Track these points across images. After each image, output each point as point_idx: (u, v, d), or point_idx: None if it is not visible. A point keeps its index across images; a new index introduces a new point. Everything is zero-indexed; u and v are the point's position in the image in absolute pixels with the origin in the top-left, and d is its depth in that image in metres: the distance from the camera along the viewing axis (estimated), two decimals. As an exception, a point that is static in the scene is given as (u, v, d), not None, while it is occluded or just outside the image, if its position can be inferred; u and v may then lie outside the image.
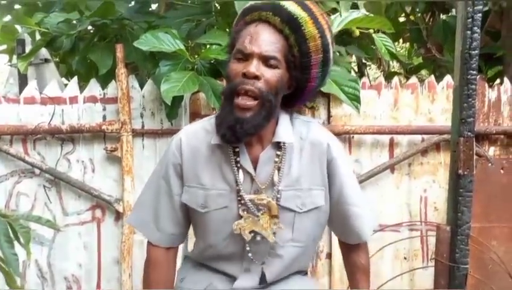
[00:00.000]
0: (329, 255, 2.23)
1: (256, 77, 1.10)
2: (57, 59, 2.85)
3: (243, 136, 1.12)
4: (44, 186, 2.24)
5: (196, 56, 2.10)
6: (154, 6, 2.92)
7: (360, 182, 2.16)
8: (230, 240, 1.21)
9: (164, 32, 2.00)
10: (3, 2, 3.01)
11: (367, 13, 2.17)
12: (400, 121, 2.22)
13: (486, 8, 2.93)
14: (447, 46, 3.03)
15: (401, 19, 3.61)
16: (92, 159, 2.24)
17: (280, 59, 1.11)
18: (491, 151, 2.24)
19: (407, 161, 2.23)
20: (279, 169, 1.19)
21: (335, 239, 1.82)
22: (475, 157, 1.58)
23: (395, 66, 4.52)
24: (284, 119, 1.21)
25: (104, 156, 2.22)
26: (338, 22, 2.04)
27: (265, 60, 1.10)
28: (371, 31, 2.34)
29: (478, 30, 1.50)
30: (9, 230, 1.43)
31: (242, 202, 1.18)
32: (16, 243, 1.43)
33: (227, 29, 2.28)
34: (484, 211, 2.18)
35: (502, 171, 2.22)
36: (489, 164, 2.21)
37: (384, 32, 2.34)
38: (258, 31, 1.11)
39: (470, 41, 1.51)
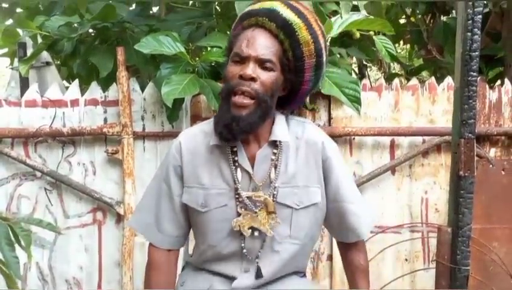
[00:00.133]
0: (330, 257, 2.23)
1: (253, 79, 1.14)
2: (58, 62, 2.86)
3: (239, 133, 1.16)
4: (45, 189, 2.24)
5: (197, 59, 2.10)
6: (155, 10, 2.93)
7: (361, 183, 2.16)
8: (230, 239, 1.24)
9: (165, 35, 2.00)
10: (4, 5, 3.02)
11: (367, 15, 2.17)
12: (401, 123, 2.22)
13: (486, 10, 2.93)
14: (447, 47, 3.03)
15: (402, 21, 3.62)
16: (93, 161, 2.24)
17: (275, 62, 1.17)
18: (492, 152, 2.24)
19: (408, 163, 2.23)
20: (275, 167, 1.23)
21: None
22: (476, 158, 1.58)
23: (395, 67, 4.52)
24: (280, 119, 1.26)
25: (105, 159, 2.22)
26: (338, 24, 2.04)
27: (261, 63, 1.16)
28: (372, 33, 2.35)
29: (478, 32, 1.51)
30: (10, 233, 1.43)
31: (240, 199, 1.22)
32: (16, 245, 1.44)
33: (228, 32, 2.29)
34: (485, 212, 2.18)
35: (503, 172, 2.22)
36: (490, 165, 2.21)
37: (384, 34, 2.34)
38: (254, 36, 1.17)
39: (470, 43, 1.51)
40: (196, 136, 1.27)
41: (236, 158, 1.22)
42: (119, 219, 2.23)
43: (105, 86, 2.25)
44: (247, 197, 1.21)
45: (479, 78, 1.67)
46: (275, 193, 1.22)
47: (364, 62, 3.56)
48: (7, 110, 2.21)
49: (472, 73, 1.52)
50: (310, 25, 1.18)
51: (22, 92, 2.30)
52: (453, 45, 1.63)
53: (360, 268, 1.34)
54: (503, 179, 2.21)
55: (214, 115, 1.28)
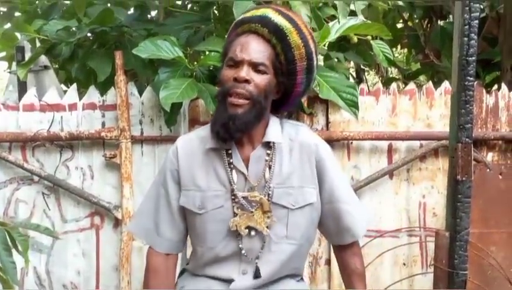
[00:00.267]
0: (328, 262, 2.23)
1: (247, 81, 1.19)
2: (56, 66, 2.86)
3: (235, 132, 1.20)
4: (43, 193, 2.24)
5: (195, 63, 2.11)
6: (153, 14, 2.94)
7: (359, 188, 2.17)
8: (228, 240, 1.27)
9: (163, 39, 2.00)
10: (3, 9, 3.02)
11: (365, 20, 2.18)
12: (398, 127, 2.22)
13: (483, 14, 2.95)
14: (444, 52, 3.05)
15: (399, 25, 3.63)
16: (91, 166, 2.24)
17: (268, 65, 1.22)
18: (489, 156, 2.25)
19: (406, 167, 2.24)
20: (270, 167, 1.27)
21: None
22: (473, 163, 1.59)
23: (393, 72, 4.53)
24: (273, 121, 1.30)
25: (103, 163, 2.22)
26: (336, 29, 2.05)
27: (255, 66, 1.20)
28: (369, 37, 2.35)
29: (475, 37, 1.51)
30: (8, 238, 1.43)
31: (236, 200, 1.25)
32: (13, 250, 1.44)
33: (226, 36, 2.29)
34: (483, 216, 2.19)
35: (500, 176, 2.23)
36: (488, 170, 2.21)
37: (382, 39, 2.35)
38: (248, 41, 1.22)
39: (467, 48, 1.52)
40: (192, 141, 1.32)
41: (231, 160, 1.26)
42: (117, 223, 2.22)
43: (103, 90, 2.25)
44: (243, 198, 1.25)
45: (476, 83, 1.68)
46: (270, 193, 1.25)
47: (361, 66, 3.57)
48: (5, 114, 2.21)
49: (469, 78, 1.52)
50: (301, 30, 1.24)
51: (20, 96, 2.29)
52: (450, 50, 1.63)
53: (357, 272, 1.36)
54: (500, 183, 2.22)
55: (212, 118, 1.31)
